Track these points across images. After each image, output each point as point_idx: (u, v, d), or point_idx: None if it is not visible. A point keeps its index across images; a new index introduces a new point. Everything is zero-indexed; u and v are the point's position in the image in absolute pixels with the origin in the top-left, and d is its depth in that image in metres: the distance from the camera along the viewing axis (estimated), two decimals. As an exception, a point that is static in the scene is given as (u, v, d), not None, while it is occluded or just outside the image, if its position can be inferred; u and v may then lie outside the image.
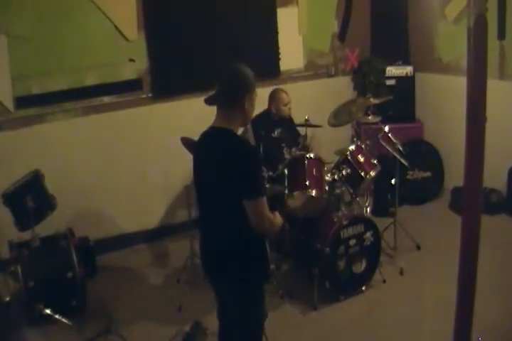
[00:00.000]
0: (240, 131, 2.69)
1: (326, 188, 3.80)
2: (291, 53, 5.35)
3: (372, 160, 4.02)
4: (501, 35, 4.50)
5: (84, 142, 4.49)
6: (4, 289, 3.69)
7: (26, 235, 3.64)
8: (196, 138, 2.56)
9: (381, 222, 4.19)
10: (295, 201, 3.77)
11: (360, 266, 3.80)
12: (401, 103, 5.41)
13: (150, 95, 4.73)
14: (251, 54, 4.94)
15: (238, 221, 2.34)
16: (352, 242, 3.74)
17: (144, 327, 3.60)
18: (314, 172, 3.79)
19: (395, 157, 4.11)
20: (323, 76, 5.62)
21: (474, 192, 1.84)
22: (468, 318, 1.93)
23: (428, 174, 5.44)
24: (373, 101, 4.24)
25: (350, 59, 5.72)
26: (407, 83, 5.52)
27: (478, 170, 1.79)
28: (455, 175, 5.12)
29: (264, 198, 2.31)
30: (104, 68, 4.46)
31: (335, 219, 3.77)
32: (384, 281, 3.94)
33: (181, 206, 4.50)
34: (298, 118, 4.34)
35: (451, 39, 5.10)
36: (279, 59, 5.30)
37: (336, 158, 4.08)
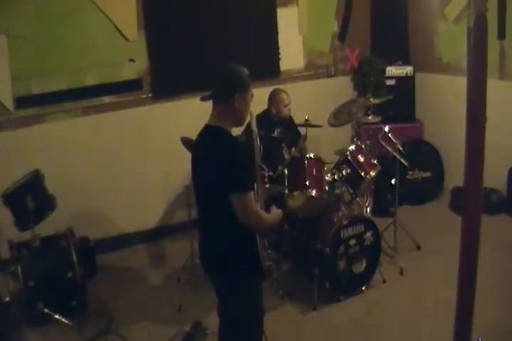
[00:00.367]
0: (239, 131, 2.70)
1: (326, 188, 3.80)
2: (291, 53, 5.35)
3: (372, 160, 4.02)
4: (501, 35, 4.50)
5: (84, 142, 4.49)
6: (4, 289, 3.68)
7: (26, 235, 3.64)
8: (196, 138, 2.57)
9: (381, 222, 4.19)
10: (295, 201, 3.78)
11: (360, 266, 3.80)
12: (401, 103, 5.41)
13: (150, 95, 4.73)
14: (251, 54, 4.95)
15: (229, 217, 2.37)
16: (352, 242, 3.74)
17: (144, 327, 3.60)
18: (314, 172, 3.79)
19: (395, 157, 4.11)
20: (323, 76, 5.62)
21: (474, 192, 1.84)
22: (468, 318, 1.93)
23: (428, 174, 5.44)
24: (373, 101, 4.25)
25: (350, 59, 5.72)
26: (407, 83, 5.52)
27: (478, 170, 1.79)
28: (455, 175, 5.12)
29: (251, 193, 2.34)
30: (104, 68, 4.46)
31: (335, 219, 3.77)
32: (384, 281, 3.94)
33: (181, 206, 4.49)
34: (298, 118, 4.34)
35: (451, 39, 5.10)
36: (279, 59, 5.31)
37: (336, 158, 4.08)
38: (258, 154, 2.69)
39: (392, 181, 4.33)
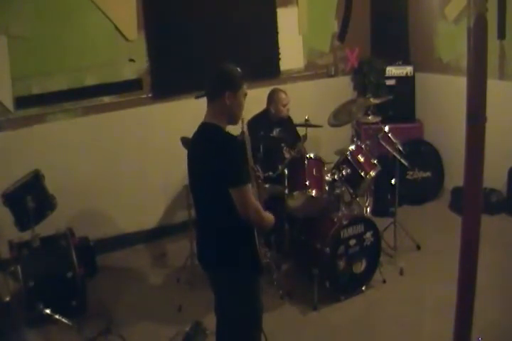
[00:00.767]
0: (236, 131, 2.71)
1: (326, 188, 3.80)
2: (291, 53, 5.35)
3: (372, 160, 4.02)
4: (501, 35, 4.50)
5: (84, 142, 4.49)
6: (4, 289, 3.68)
7: (26, 235, 3.64)
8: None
9: (381, 222, 4.19)
10: (295, 201, 3.78)
11: (360, 266, 3.80)
12: (401, 103, 5.42)
13: (150, 95, 4.73)
14: (251, 54, 4.95)
15: (227, 213, 2.40)
16: (352, 242, 3.74)
17: (144, 327, 3.60)
18: (314, 172, 3.79)
19: (395, 157, 4.11)
20: (323, 76, 5.62)
21: (474, 192, 1.84)
22: (468, 318, 1.93)
23: (428, 174, 5.44)
24: (373, 101, 4.24)
25: (350, 59, 5.72)
26: (407, 83, 5.52)
27: (478, 170, 1.79)
28: (455, 175, 5.12)
29: (248, 186, 2.37)
30: (104, 68, 4.46)
31: (335, 219, 3.77)
32: (384, 281, 3.94)
33: (181, 206, 4.49)
34: (298, 118, 4.34)
35: (451, 39, 5.10)
36: (279, 59, 5.31)
37: (336, 158, 4.08)
38: (250, 156, 2.70)
39: (392, 181, 4.33)
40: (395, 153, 4.09)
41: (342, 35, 5.63)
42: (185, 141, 3.65)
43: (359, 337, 3.42)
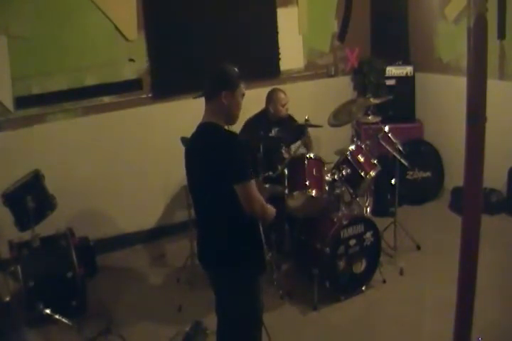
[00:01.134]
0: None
1: (326, 188, 3.79)
2: (291, 53, 5.35)
3: (372, 160, 4.02)
4: (501, 35, 4.50)
5: (84, 142, 4.49)
6: (4, 289, 3.68)
7: (26, 235, 3.64)
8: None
9: (381, 222, 4.19)
10: (295, 201, 3.78)
11: (360, 266, 3.80)
12: (401, 103, 5.42)
13: (150, 95, 4.73)
14: (251, 54, 4.95)
15: (229, 211, 2.42)
16: (352, 242, 3.74)
17: (144, 327, 3.60)
18: (314, 172, 3.79)
19: (395, 157, 4.11)
20: (323, 76, 5.62)
21: (474, 192, 1.84)
22: (468, 318, 1.93)
23: (428, 174, 5.44)
24: (373, 101, 4.24)
25: (350, 59, 5.72)
26: (407, 83, 5.52)
27: (478, 170, 1.79)
28: (455, 175, 5.12)
29: (253, 181, 2.38)
30: (104, 68, 4.46)
31: (335, 219, 3.77)
32: (384, 281, 3.94)
33: (181, 206, 4.49)
34: (298, 119, 4.33)
35: (451, 39, 5.10)
36: (279, 59, 5.30)
37: (336, 158, 4.08)
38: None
39: (392, 181, 4.33)
40: (395, 153, 4.09)
41: (342, 35, 5.62)
42: (185, 141, 3.64)
43: (359, 337, 3.42)
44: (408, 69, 5.49)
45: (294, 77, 5.42)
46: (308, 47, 5.47)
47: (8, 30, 4.04)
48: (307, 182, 3.70)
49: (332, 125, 4.26)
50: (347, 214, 3.83)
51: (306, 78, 5.49)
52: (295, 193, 3.73)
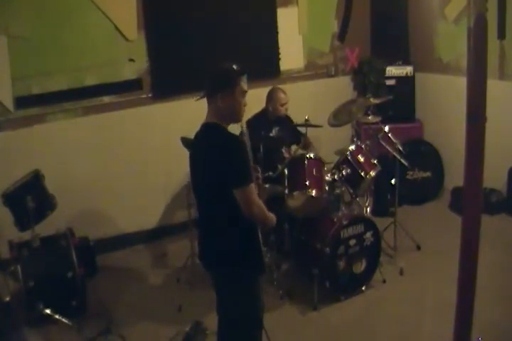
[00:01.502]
0: (236, 131, 2.70)
1: (326, 188, 3.79)
2: (291, 53, 5.35)
3: (372, 160, 4.02)
4: (501, 35, 4.50)
5: (84, 142, 4.49)
6: (4, 289, 3.68)
7: (26, 235, 3.64)
8: (196, 138, 2.58)
9: (381, 222, 4.19)
10: (295, 201, 3.78)
11: (360, 266, 3.80)
12: (401, 103, 5.42)
13: (150, 95, 4.73)
14: (251, 54, 4.95)
15: (230, 214, 2.41)
16: (352, 242, 3.74)
17: (144, 327, 3.60)
18: (314, 172, 3.79)
19: (395, 157, 4.11)
20: (323, 76, 5.62)
21: (474, 192, 1.84)
22: (468, 318, 1.93)
23: (428, 174, 5.44)
24: (373, 101, 4.24)
25: (350, 59, 5.72)
26: (407, 83, 5.52)
27: (478, 170, 1.79)
28: (455, 175, 5.12)
29: (252, 185, 2.37)
30: (104, 68, 4.46)
31: (335, 219, 3.77)
32: (384, 281, 3.94)
33: (181, 206, 4.49)
34: (298, 119, 4.34)
35: (451, 39, 5.10)
36: (279, 59, 5.31)
37: (336, 158, 4.08)
38: (250, 156, 2.70)
39: (392, 181, 4.33)
40: (395, 153, 4.09)
41: (342, 35, 5.62)
42: (185, 141, 3.64)
43: (359, 337, 3.42)
44: (408, 69, 5.49)
45: (294, 77, 5.42)
46: (308, 47, 5.47)
47: (8, 30, 4.03)
48: (307, 182, 3.70)
49: (332, 125, 4.26)
50: (347, 214, 3.83)
51: (306, 78, 5.49)
52: (295, 193, 3.73)
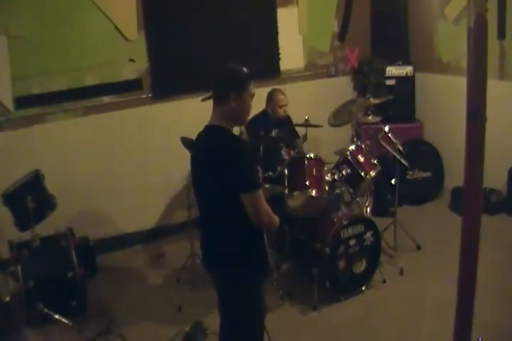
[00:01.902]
0: (236, 131, 2.71)
1: (326, 188, 3.79)
2: (291, 53, 5.35)
3: (372, 160, 4.02)
4: (501, 35, 4.50)
5: (84, 142, 4.50)
6: (4, 289, 3.68)
7: (26, 235, 3.64)
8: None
9: (381, 222, 4.19)
10: (295, 201, 3.77)
11: (360, 266, 3.80)
12: (401, 103, 5.42)
13: (150, 95, 4.73)
14: (251, 54, 4.95)
15: (234, 215, 2.39)
16: (352, 242, 3.74)
17: (144, 327, 3.60)
18: (314, 172, 3.79)
19: (395, 157, 4.11)
20: (323, 76, 5.62)
21: (474, 192, 1.84)
22: (468, 318, 1.93)
23: (428, 174, 5.44)
24: (373, 101, 4.24)
25: (350, 59, 5.72)
26: (407, 83, 5.52)
27: (478, 170, 1.79)
28: (455, 175, 5.12)
29: (260, 190, 2.35)
30: (104, 68, 4.46)
31: (335, 219, 3.77)
32: (384, 281, 3.94)
33: (181, 206, 4.49)
34: (298, 119, 4.34)
35: (451, 39, 5.10)
36: (279, 59, 5.31)
37: (336, 158, 4.08)
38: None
39: (392, 181, 4.33)
40: (395, 153, 4.09)
41: (342, 35, 5.62)
42: (185, 141, 3.64)
43: (359, 337, 3.42)
44: (408, 69, 5.49)
45: (294, 77, 5.42)
46: (308, 47, 5.47)
47: (8, 30, 4.04)
48: (307, 182, 3.70)
49: (332, 125, 4.26)
50: (347, 214, 3.83)
51: (306, 78, 5.49)
52: (295, 193, 3.73)
